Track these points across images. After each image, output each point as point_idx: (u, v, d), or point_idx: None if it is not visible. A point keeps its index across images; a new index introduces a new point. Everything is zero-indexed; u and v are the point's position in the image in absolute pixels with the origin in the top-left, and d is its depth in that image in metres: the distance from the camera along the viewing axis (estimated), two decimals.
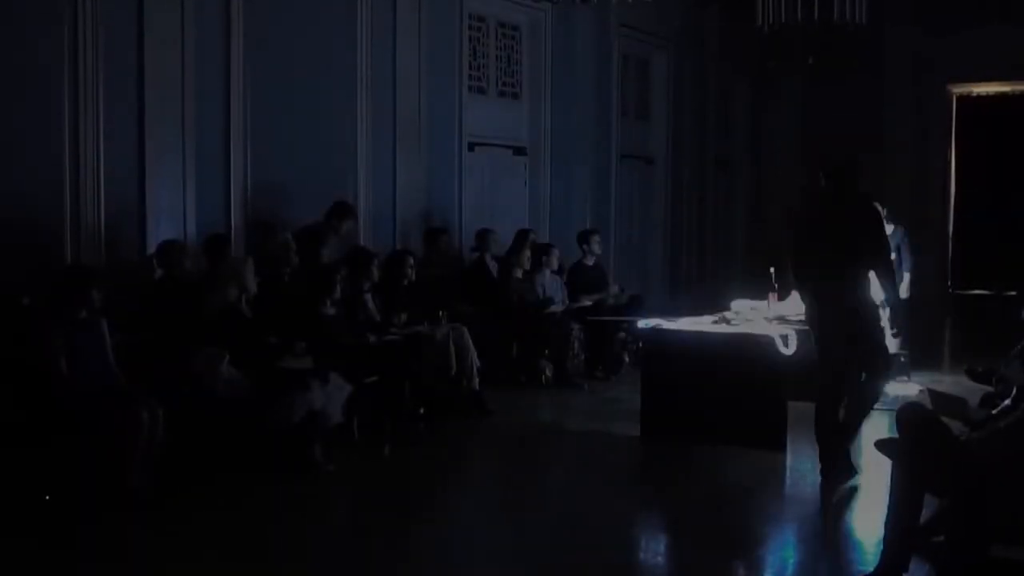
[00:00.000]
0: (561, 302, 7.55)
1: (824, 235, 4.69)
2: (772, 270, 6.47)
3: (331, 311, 5.65)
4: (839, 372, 4.76)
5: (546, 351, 7.23)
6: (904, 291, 6.96)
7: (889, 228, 5.67)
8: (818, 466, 4.85)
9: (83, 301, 4.57)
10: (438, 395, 5.99)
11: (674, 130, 10.56)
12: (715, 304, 6.61)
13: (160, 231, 5.55)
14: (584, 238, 8.03)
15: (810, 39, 7.51)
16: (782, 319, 5.96)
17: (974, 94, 11.70)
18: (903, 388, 6.08)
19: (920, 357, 7.46)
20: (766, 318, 5.98)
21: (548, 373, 7.22)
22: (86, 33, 5.24)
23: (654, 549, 4.45)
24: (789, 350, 5.43)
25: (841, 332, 4.67)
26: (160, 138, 5.60)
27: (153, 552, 3.99)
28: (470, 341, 6.21)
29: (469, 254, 7.72)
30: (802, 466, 5.39)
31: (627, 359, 7.66)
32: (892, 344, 5.39)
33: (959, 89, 11.61)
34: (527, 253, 7.41)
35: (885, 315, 4.97)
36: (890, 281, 4.75)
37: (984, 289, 11.67)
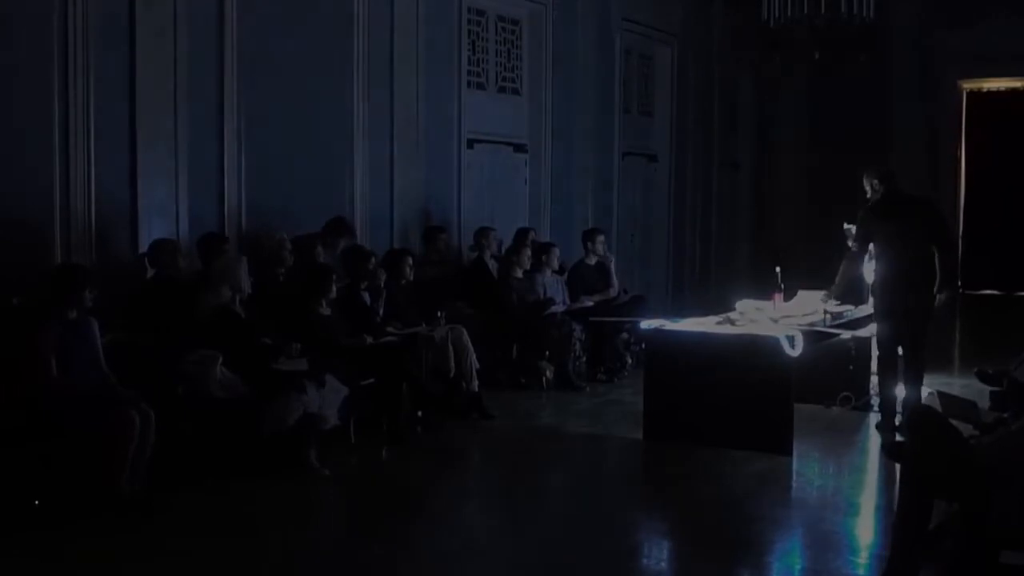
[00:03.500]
0: (562, 302, 7.45)
1: (904, 222, 5.69)
2: (777, 269, 6.37)
3: (327, 312, 5.56)
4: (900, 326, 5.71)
5: (547, 352, 7.13)
6: None
7: None
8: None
9: (74, 301, 4.51)
10: (436, 397, 5.90)
11: (678, 126, 10.47)
12: (719, 304, 6.52)
13: (152, 230, 5.48)
14: (589, 237, 7.93)
15: (816, 34, 7.41)
16: (788, 319, 5.86)
17: (984, 90, 11.55)
18: (904, 389, 5.97)
19: (930, 358, 7.35)
20: (771, 318, 5.87)
21: (549, 375, 7.12)
22: (76, 30, 5.17)
23: (657, 554, 4.38)
24: (795, 351, 5.33)
25: (914, 294, 5.64)
26: (152, 135, 5.52)
27: (145, 557, 3.92)
28: (469, 342, 6.12)
29: (468, 253, 7.63)
30: (808, 470, 5.32)
31: (630, 360, 7.56)
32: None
33: (969, 85, 11.47)
34: (527, 252, 7.32)
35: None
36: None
37: (995, 289, 11.53)
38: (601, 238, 7.96)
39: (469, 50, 7.95)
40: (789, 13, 7.25)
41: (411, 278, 6.30)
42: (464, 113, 7.81)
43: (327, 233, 6.23)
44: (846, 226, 6.20)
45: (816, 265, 7.39)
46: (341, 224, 6.35)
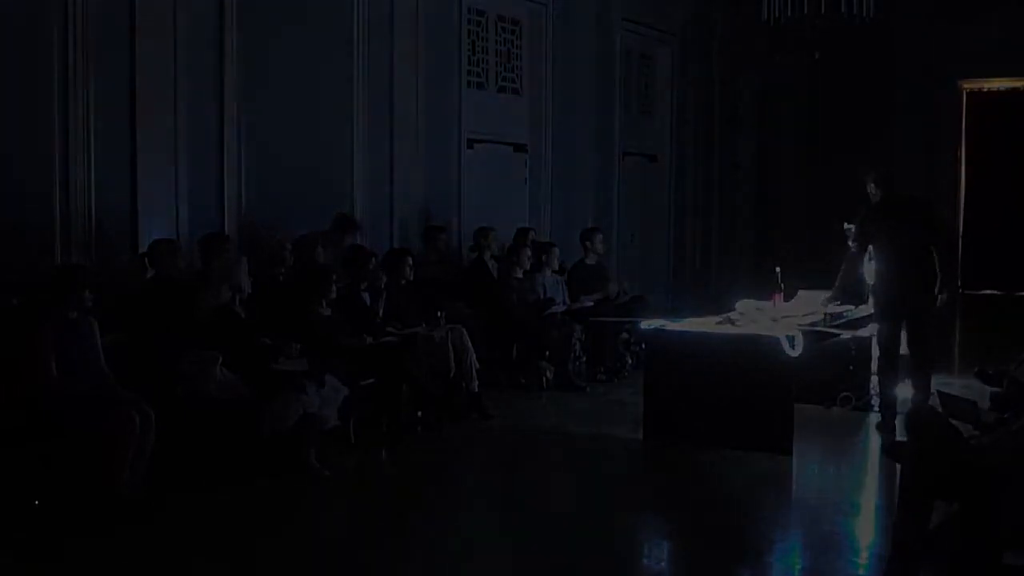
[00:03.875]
0: (562, 302, 7.44)
1: (903, 222, 5.72)
2: (777, 269, 6.37)
3: (327, 312, 5.56)
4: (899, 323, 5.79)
5: (547, 353, 7.12)
6: None
7: None
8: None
9: (74, 301, 4.51)
10: (436, 397, 5.89)
11: (678, 126, 10.46)
12: (719, 304, 6.51)
13: (153, 230, 5.47)
14: (587, 236, 7.92)
15: (817, 33, 7.40)
16: (788, 319, 5.85)
17: (984, 90, 11.54)
18: (912, 390, 5.97)
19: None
20: (772, 318, 5.87)
21: (549, 375, 7.11)
22: (76, 30, 5.17)
23: (656, 555, 4.37)
24: (795, 351, 5.33)
25: (914, 293, 5.70)
26: (152, 135, 5.53)
27: (143, 558, 3.91)
28: (469, 342, 6.12)
29: (468, 253, 7.62)
30: (809, 470, 5.31)
31: (630, 361, 7.56)
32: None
33: (969, 85, 11.46)
34: (527, 252, 7.31)
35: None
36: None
37: (995, 289, 11.52)
38: (600, 237, 7.95)
39: (469, 50, 7.95)
40: (789, 13, 7.24)
41: (411, 278, 6.29)
42: (464, 113, 7.80)
43: (333, 230, 6.24)
44: (846, 226, 6.20)
45: (816, 265, 7.39)
46: (346, 220, 6.35)
